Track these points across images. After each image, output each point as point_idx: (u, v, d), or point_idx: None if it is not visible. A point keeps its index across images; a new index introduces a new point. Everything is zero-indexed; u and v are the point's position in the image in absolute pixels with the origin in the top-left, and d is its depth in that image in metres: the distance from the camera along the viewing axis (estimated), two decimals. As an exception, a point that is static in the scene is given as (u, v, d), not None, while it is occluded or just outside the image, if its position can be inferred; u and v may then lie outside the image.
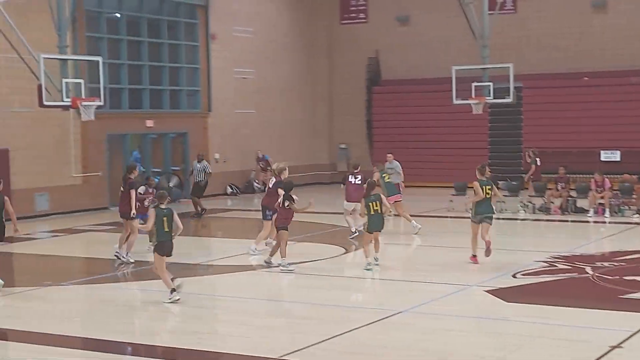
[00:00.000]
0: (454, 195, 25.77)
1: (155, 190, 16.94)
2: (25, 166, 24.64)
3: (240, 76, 32.74)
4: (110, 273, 16.59)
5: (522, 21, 33.36)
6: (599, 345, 10.44)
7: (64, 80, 21.03)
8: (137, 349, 11.06)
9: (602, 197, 23.34)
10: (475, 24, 26.75)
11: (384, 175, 20.47)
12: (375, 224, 15.87)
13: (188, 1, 30.45)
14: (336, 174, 34.57)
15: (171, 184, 29.04)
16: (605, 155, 30.76)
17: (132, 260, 16.96)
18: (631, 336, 10.89)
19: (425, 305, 12.95)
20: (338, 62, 36.98)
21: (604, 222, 22.65)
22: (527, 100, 32.29)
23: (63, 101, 20.94)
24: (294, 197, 15.86)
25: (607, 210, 23.16)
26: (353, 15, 36.70)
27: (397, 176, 24.03)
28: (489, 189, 16.22)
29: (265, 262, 16.28)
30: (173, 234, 13.40)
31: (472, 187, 16.50)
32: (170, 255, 13.49)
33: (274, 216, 16.63)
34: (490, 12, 27.11)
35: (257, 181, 32.57)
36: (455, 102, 27.00)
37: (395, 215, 21.60)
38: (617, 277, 14.83)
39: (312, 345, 10.74)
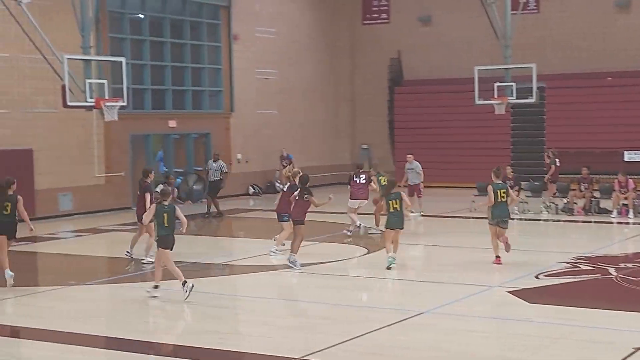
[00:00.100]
0: (476, 195, 25.70)
1: (176, 190, 17.04)
2: (49, 166, 24.80)
3: (262, 77, 32.78)
4: (135, 272, 16.64)
5: (545, 21, 33.19)
6: (622, 347, 10.37)
7: (88, 80, 21.10)
8: (159, 348, 11.11)
9: (625, 198, 23.20)
10: (497, 24, 26.64)
11: (380, 178, 20.44)
12: (395, 221, 16.07)
13: (211, 2, 30.52)
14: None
15: (193, 185, 29.13)
16: (628, 156, 30.58)
17: (152, 260, 17.00)
18: (655, 338, 10.82)
19: (447, 306, 12.91)
20: (360, 63, 36.96)
21: (628, 223, 22.51)
22: (550, 101, 32.11)
23: (86, 102, 21.00)
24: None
25: (631, 211, 23.01)
26: (375, 15, 36.67)
27: (416, 176, 24.02)
28: (503, 192, 16.20)
29: (289, 261, 16.27)
30: (182, 229, 13.80)
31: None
32: (171, 249, 13.67)
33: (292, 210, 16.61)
34: (512, 12, 27.02)
35: (279, 181, 32.58)
36: (478, 102, 26.90)
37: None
38: (641, 278, 14.75)
39: (333, 345, 10.74)
